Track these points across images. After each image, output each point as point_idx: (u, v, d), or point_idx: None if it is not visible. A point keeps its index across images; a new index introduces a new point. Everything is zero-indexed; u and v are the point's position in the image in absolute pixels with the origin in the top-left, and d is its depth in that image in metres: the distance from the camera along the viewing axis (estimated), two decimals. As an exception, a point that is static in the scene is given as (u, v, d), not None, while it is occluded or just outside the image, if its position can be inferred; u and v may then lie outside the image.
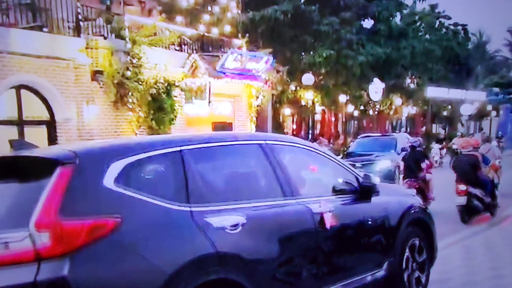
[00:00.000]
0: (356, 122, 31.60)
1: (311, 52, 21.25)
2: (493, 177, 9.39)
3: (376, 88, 24.42)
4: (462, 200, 8.51)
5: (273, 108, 20.35)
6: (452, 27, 32.55)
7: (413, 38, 26.46)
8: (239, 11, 17.65)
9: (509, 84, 41.54)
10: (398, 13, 27.73)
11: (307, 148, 4.16)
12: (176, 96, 13.37)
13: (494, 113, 40.53)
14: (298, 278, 3.46)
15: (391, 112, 29.41)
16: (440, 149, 22.67)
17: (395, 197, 4.69)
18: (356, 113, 28.20)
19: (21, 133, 10.45)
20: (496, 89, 41.10)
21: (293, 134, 23.42)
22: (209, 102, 14.66)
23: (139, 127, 12.65)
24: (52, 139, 10.92)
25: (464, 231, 8.01)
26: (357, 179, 4.15)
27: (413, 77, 28.91)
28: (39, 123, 11.03)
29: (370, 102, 26.07)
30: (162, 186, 2.97)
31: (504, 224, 8.54)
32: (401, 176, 13.60)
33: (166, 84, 13.07)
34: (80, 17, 11.64)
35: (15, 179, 2.84)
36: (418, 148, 10.06)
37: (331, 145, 22.38)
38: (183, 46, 14.92)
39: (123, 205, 2.71)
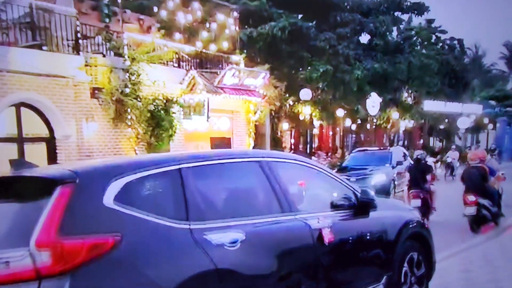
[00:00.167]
0: (353, 136, 31.71)
1: (309, 68, 21.41)
2: (498, 188, 9.64)
3: (373, 102, 24.52)
4: (472, 210, 8.85)
5: (271, 123, 20.43)
6: (448, 41, 32.88)
7: (410, 53, 26.65)
8: (237, 28, 17.83)
9: (506, 97, 41.92)
10: (394, 28, 28.02)
11: (305, 164, 4.19)
12: (174, 113, 13.45)
13: (491, 126, 40.67)
14: (298, 294, 3.46)
15: (389, 126, 29.51)
16: (435, 162, 22.72)
17: (393, 211, 4.71)
18: (353, 127, 28.29)
19: (21, 150, 10.50)
20: (493, 102, 41.42)
21: (291, 149, 23.48)
22: (208, 118, 14.75)
23: (138, 144, 12.70)
24: (52, 156, 10.96)
25: (465, 241, 8.08)
26: (355, 194, 4.20)
27: (410, 91, 29.08)
28: (39, 140, 11.10)
29: (367, 116, 26.16)
30: (161, 204, 3.00)
31: (504, 235, 8.59)
32: (396, 189, 13.82)
33: (164, 101, 13.17)
34: (79, 35, 11.77)
35: (15, 199, 2.88)
36: (423, 161, 10.47)
37: (328, 159, 22.44)
38: (181, 62, 15.05)
39: (122, 223, 2.73)
